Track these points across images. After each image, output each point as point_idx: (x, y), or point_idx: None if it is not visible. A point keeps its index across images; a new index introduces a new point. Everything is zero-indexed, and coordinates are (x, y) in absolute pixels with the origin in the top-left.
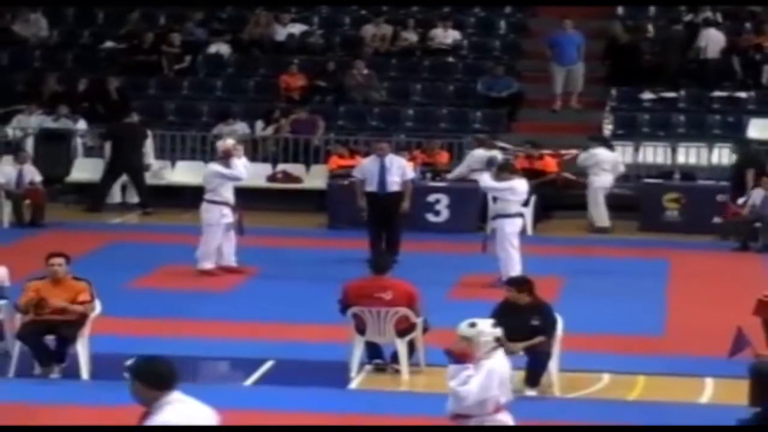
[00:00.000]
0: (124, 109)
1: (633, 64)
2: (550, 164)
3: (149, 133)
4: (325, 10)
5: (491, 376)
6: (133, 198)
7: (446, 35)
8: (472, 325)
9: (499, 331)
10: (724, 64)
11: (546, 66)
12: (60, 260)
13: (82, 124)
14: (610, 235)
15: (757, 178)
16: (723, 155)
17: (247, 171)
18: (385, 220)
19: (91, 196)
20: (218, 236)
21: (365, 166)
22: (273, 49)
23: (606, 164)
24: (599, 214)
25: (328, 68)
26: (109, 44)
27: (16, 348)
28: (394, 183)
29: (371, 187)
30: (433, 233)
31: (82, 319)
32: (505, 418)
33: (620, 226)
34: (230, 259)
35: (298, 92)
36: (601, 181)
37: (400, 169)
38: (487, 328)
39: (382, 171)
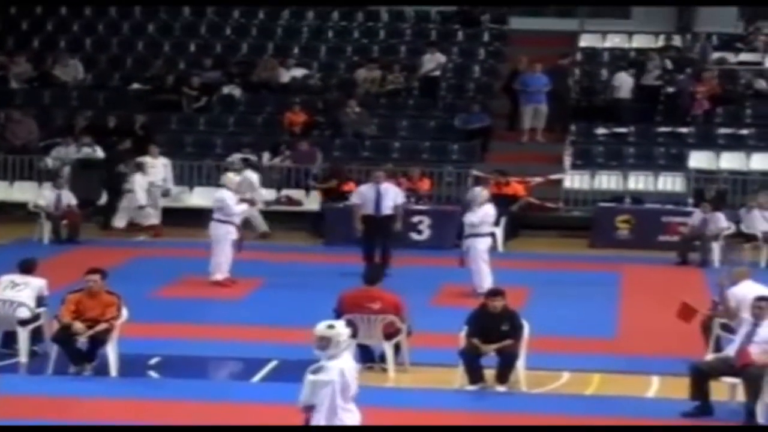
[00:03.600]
0: (147, 143)
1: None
2: (518, 189)
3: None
4: (324, 56)
5: (345, 372)
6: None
7: (432, 59)
8: (331, 326)
9: (350, 331)
10: (635, 103)
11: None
12: (95, 277)
13: (100, 154)
14: (570, 251)
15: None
16: (668, 182)
17: (242, 210)
18: (380, 238)
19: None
20: (227, 250)
21: (363, 192)
22: (278, 89)
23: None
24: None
25: (326, 106)
26: (136, 86)
27: (54, 349)
28: (387, 207)
29: (368, 210)
30: (417, 249)
31: (111, 325)
32: (353, 408)
33: (578, 243)
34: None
35: (300, 127)
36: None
37: (393, 195)
38: (342, 328)
39: (378, 197)
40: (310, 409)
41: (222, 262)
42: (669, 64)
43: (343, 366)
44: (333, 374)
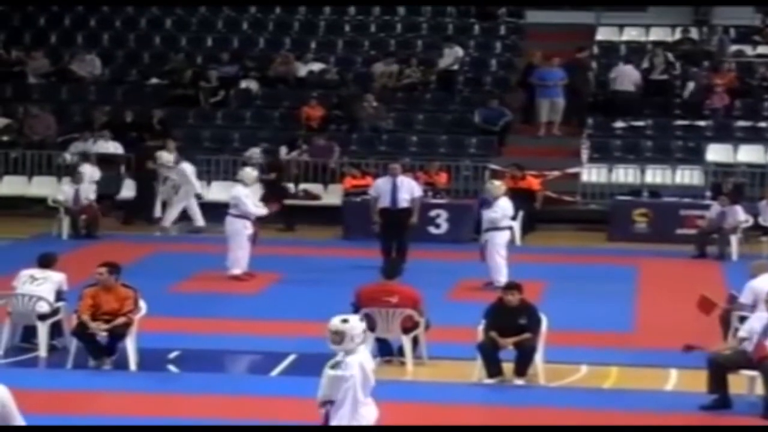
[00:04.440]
0: (164, 137)
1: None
2: (533, 183)
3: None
4: (341, 50)
5: (365, 366)
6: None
7: (451, 53)
8: (344, 320)
9: (364, 325)
10: (638, 96)
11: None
12: (102, 269)
13: (118, 149)
14: (587, 244)
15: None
16: (685, 176)
17: (258, 209)
18: (396, 232)
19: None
20: (244, 245)
21: (379, 186)
22: (295, 84)
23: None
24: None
25: (342, 101)
26: (153, 80)
27: (73, 344)
28: (404, 200)
29: (384, 203)
30: (434, 243)
31: (130, 319)
32: (370, 401)
33: (595, 237)
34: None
35: (317, 122)
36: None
37: (409, 188)
38: (356, 323)
39: (394, 190)
40: (328, 404)
41: (240, 256)
42: (671, 57)
43: (362, 360)
44: (354, 369)
